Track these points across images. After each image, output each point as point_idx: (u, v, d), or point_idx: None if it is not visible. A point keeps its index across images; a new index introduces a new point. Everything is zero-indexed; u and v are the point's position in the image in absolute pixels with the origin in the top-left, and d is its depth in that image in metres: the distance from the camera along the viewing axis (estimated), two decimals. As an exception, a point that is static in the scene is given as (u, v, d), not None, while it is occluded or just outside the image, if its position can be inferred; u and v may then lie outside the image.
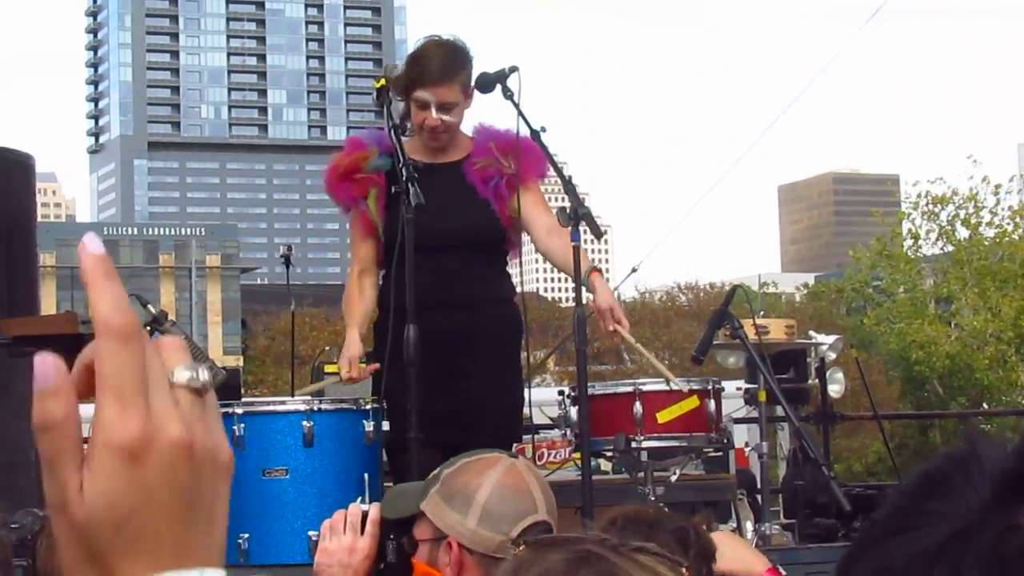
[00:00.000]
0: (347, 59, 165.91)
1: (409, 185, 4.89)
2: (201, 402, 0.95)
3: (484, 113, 5.59)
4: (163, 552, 0.93)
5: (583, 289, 5.18)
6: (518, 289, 5.68)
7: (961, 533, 0.93)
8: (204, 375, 0.96)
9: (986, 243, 43.08)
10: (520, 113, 5.19)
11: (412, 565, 3.03)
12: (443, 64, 5.28)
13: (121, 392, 0.91)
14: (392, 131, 5.13)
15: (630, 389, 5.74)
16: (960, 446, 0.99)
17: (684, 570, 1.70)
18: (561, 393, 5.89)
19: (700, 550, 2.90)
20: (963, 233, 43.57)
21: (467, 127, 5.49)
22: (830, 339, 9.30)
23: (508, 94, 5.20)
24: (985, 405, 41.70)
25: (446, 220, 5.20)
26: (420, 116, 5.28)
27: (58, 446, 0.92)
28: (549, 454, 8.33)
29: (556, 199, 5.95)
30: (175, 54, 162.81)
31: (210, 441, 0.95)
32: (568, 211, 5.05)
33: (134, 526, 0.92)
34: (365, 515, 3.03)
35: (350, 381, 5.26)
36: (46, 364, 0.93)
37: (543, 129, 5.24)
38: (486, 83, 5.25)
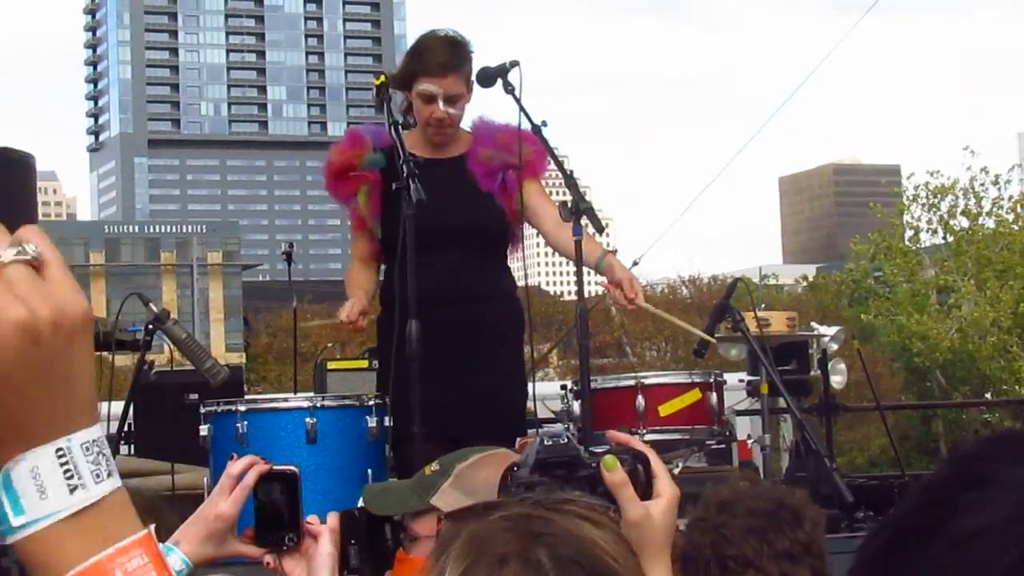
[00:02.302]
0: (346, 55, 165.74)
1: (410, 181, 4.87)
2: (34, 273, 0.97)
3: (484, 108, 5.57)
4: (31, 431, 0.95)
5: (591, 272, 5.18)
6: (520, 283, 5.67)
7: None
8: (31, 248, 0.97)
9: (986, 233, 43.07)
10: (521, 107, 5.18)
11: (379, 566, 2.98)
12: (447, 56, 5.27)
13: None
14: (392, 128, 5.12)
15: (632, 383, 5.74)
16: (998, 434, 0.98)
17: (611, 514, 1.69)
18: (564, 388, 5.90)
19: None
20: (963, 223, 43.57)
21: (466, 122, 5.48)
22: (832, 330, 9.29)
23: (509, 88, 5.19)
24: (988, 395, 41.67)
25: (448, 216, 5.19)
26: (427, 110, 5.26)
27: None
28: (552, 448, 8.33)
29: (557, 193, 5.95)
30: (174, 51, 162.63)
31: (53, 307, 0.96)
32: (570, 206, 5.05)
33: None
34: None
35: (348, 326, 5.18)
36: None
37: (544, 123, 5.23)
38: (487, 77, 5.23)
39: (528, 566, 1.58)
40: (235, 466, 2.49)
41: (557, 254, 5.51)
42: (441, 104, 5.24)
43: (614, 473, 1.84)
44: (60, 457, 0.96)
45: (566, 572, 1.57)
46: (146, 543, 1.00)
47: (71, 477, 0.96)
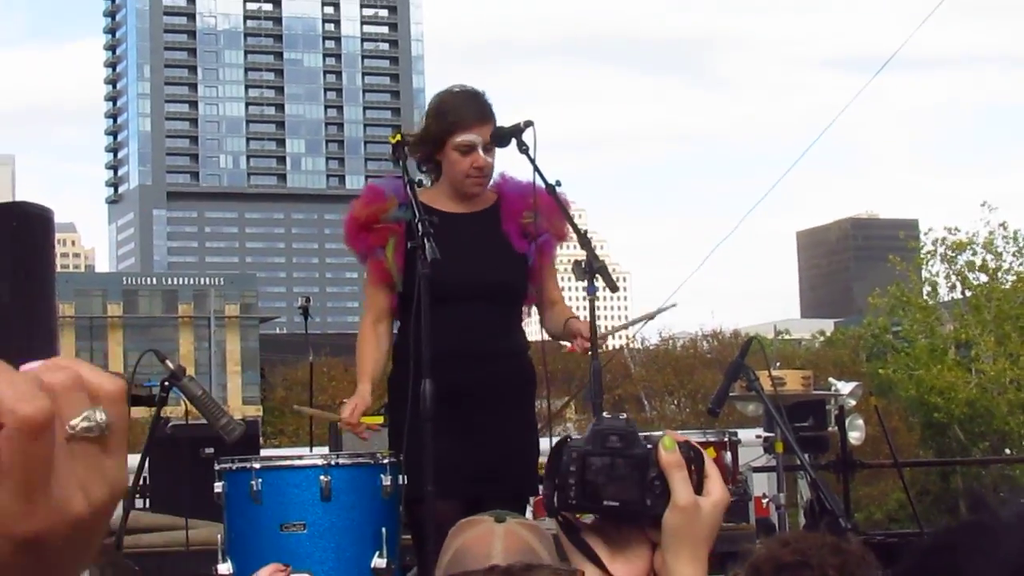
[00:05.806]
0: (365, 108, 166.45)
1: (425, 240, 4.88)
2: (97, 448, 0.94)
3: (499, 166, 5.58)
4: None
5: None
6: (538, 337, 5.66)
7: None
8: (99, 417, 0.93)
9: (1005, 288, 43.02)
10: (536, 168, 5.18)
11: None
12: (478, 106, 5.30)
13: (27, 485, 0.90)
14: (408, 186, 5.13)
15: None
16: (960, 524, 0.99)
17: None
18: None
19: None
20: (981, 278, 43.52)
21: None
22: (849, 386, 9.28)
23: (524, 148, 5.17)
24: (1008, 451, 41.47)
25: (476, 270, 5.20)
26: (467, 160, 5.26)
27: None
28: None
29: (571, 248, 5.95)
30: (194, 104, 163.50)
31: (105, 488, 0.95)
32: (583, 264, 5.06)
33: None
34: None
35: (347, 427, 5.26)
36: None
37: (558, 183, 5.24)
38: (501, 137, 5.23)
39: None
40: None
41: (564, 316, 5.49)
42: (481, 152, 5.27)
43: (671, 453, 1.79)
44: None
45: None
46: None
47: None
